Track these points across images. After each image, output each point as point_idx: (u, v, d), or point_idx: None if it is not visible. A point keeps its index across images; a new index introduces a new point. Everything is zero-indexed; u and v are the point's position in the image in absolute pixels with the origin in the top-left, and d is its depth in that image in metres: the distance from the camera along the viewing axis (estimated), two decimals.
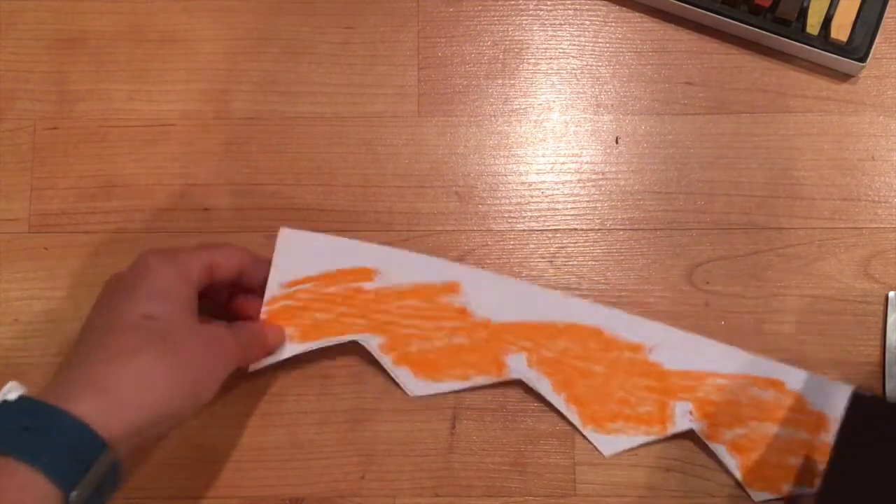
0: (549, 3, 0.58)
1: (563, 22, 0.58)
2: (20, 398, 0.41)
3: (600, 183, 0.56)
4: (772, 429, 0.51)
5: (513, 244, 0.55)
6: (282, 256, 0.52)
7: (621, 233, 0.55)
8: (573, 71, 0.57)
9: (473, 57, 0.57)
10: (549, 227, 0.56)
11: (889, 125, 0.56)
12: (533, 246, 0.55)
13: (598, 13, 0.58)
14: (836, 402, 0.50)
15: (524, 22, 0.58)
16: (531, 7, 0.58)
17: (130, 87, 0.57)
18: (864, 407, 0.48)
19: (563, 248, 0.55)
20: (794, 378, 0.52)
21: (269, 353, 0.50)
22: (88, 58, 0.58)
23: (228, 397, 0.53)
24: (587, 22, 0.58)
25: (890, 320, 0.53)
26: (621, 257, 0.55)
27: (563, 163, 0.56)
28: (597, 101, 0.57)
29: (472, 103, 0.57)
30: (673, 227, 0.55)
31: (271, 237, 0.52)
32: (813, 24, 0.55)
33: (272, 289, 0.51)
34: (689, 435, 0.52)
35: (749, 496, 0.51)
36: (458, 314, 0.52)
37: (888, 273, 0.54)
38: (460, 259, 0.55)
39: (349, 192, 0.56)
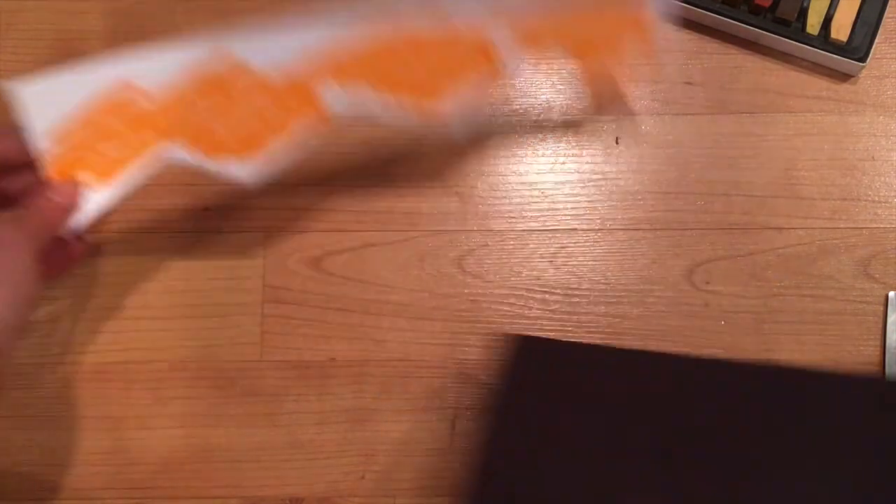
0: None
1: None
2: None
3: (600, 183, 0.56)
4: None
5: (513, 244, 0.55)
6: (29, 112, 0.45)
7: (621, 233, 0.55)
8: (573, 71, 0.57)
9: None
10: (549, 227, 0.56)
11: (889, 125, 0.56)
12: (533, 246, 0.55)
13: None
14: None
15: None
16: None
17: None
18: (521, 347, 0.47)
19: (563, 248, 0.55)
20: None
21: (68, 207, 0.45)
22: (88, 58, 0.58)
23: (229, 397, 0.53)
24: None
25: (890, 320, 0.53)
26: (621, 257, 0.55)
27: (563, 163, 0.56)
28: (597, 101, 0.57)
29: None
30: (673, 227, 0.55)
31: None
32: (813, 24, 0.55)
33: (39, 145, 0.45)
34: None
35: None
36: (246, 80, 0.47)
37: (888, 273, 0.54)
38: (460, 259, 0.55)
39: (349, 192, 0.56)
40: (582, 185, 0.56)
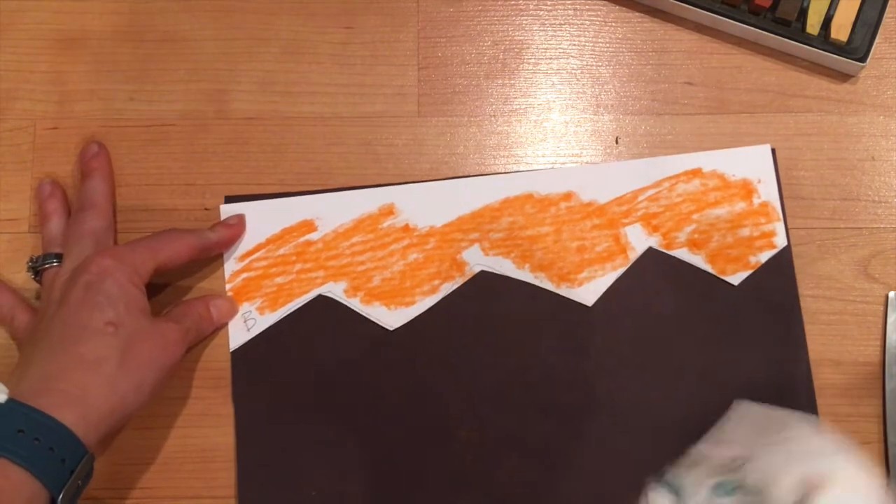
0: (549, 3, 0.58)
1: (563, 22, 0.58)
2: (9, 401, 0.42)
3: None
4: (713, 213, 0.54)
5: None
6: None
7: None
8: (573, 71, 0.57)
9: (473, 57, 0.57)
10: None
11: (889, 125, 0.56)
12: None
13: (598, 13, 0.58)
14: (751, 165, 0.55)
15: (524, 22, 0.58)
16: (531, 7, 0.58)
17: (130, 87, 0.57)
18: None
19: None
20: (707, 160, 0.55)
21: (219, 324, 0.53)
22: (88, 58, 0.58)
23: (228, 397, 0.53)
24: (587, 22, 0.58)
25: (890, 320, 0.53)
26: None
27: (564, 163, 0.56)
28: (597, 101, 0.57)
29: (472, 103, 0.57)
30: None
31: None
32: (813, 24, 0.55)
33: (230, 265, 0.54)
34: None
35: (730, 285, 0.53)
36: (404, 232, 0.54)
37: (888, 273, 0.54)
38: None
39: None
40: None
